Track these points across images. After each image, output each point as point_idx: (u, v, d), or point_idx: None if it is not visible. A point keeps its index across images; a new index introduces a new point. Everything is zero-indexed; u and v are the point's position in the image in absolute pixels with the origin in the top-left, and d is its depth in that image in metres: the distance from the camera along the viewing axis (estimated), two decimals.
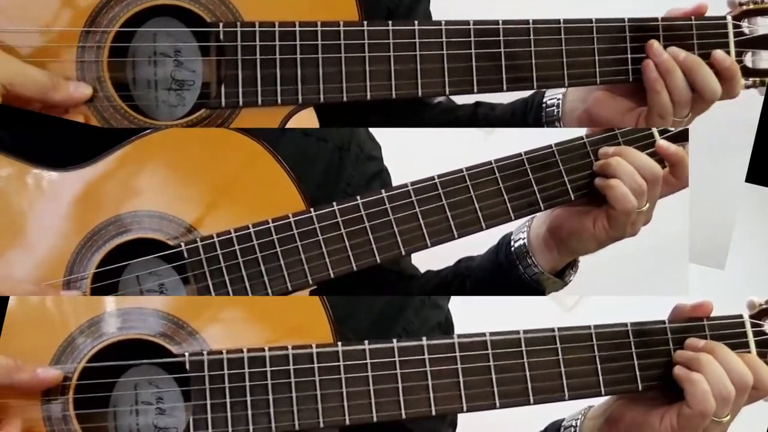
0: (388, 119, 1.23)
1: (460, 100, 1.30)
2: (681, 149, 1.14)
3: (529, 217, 1.17)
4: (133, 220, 1.05)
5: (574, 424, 1.18)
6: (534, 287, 1.20)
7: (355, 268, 1.05)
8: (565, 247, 1.17)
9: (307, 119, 1.11)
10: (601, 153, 1.14)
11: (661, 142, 1.14)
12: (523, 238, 1.19)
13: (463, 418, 1.24)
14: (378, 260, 1.06)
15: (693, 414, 1.07)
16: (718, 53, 1.17)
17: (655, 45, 1.16)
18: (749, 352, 1.13)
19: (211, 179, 1.07)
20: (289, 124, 1.09)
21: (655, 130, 1.15)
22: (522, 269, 1.19)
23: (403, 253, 1.07)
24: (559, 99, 1.23)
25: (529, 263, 1.18)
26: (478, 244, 1.22)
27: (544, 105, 1.23)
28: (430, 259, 1.19)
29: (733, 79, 1.16)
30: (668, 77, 1.15)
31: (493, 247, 1.23)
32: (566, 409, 1.20)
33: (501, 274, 1.21)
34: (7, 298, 1.01)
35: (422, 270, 1.30)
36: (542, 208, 1.12)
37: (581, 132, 1.16)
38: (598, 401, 1.17)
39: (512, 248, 1.20)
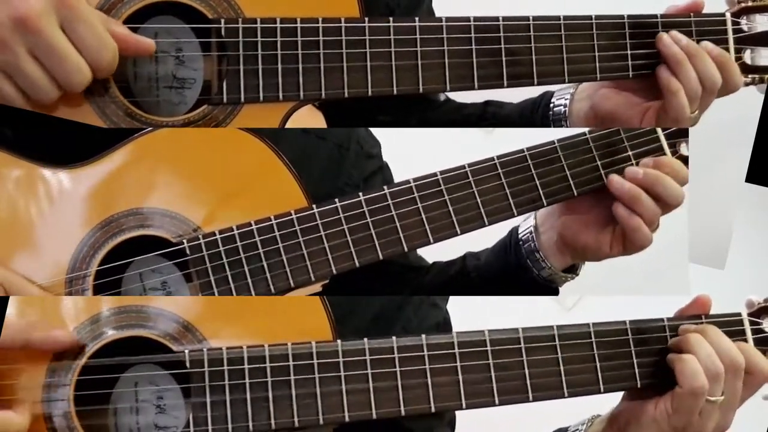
0: (396, 119, 1.23)
1: (469, 99, 1.30)
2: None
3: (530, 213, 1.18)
4: (135, 217, 1.05)
5: (580, 428, 1.18)
6: (548, 286, 1.21)
7: (357, 264, 1.05)
8: (579, 255, 1.19)
9: (308, 117, 1.11)
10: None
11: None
12: (531, 240, 1.20)
13: (463, 422, 1.24)
14: (380, 256, 1.06)
15: (684, 393, 1.07)
16: (706, 44, 1.17)
17: (665, 37, 1.16)
18: None
19: (213, 177, 1.07)
20: (291, 121, 1.09)
21: (659, 129, 1.16)
22: (536, 271, 1.20)
23: (406, 249, 1.07)
24: (567, 99, 1.23)
25: (543, 266, 1.19)
26: (482, 237, 1.22)
27: (552, 105, 1.24)
28: (433, 250, 1.19)
29: (725, 66, 1.17)
30: (680, 69, 1.15)
31: (499, 245, 1.24)
32: (571, 417, 1.20)
33: (512, 275, 1.22)
34: (7, 298, 1.01)
35: (430, 261, 1.31)
36: (545, 204, 1.12)
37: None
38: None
39: (522, 251, 1.20)
